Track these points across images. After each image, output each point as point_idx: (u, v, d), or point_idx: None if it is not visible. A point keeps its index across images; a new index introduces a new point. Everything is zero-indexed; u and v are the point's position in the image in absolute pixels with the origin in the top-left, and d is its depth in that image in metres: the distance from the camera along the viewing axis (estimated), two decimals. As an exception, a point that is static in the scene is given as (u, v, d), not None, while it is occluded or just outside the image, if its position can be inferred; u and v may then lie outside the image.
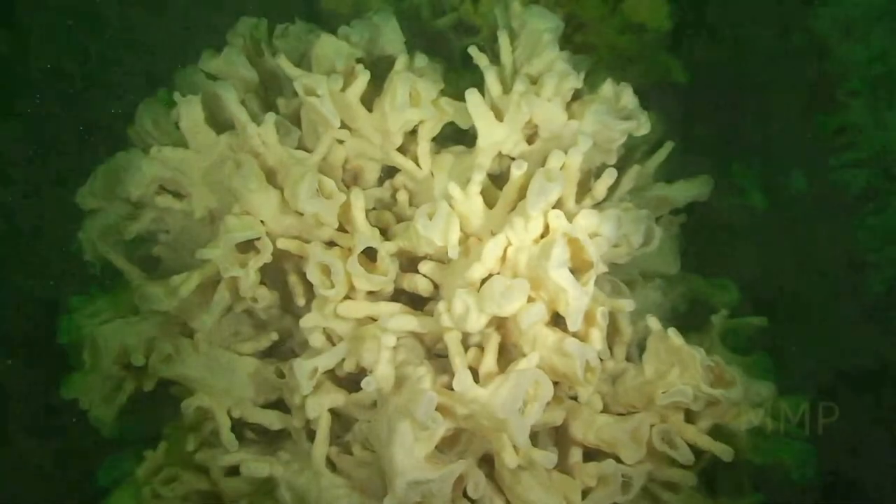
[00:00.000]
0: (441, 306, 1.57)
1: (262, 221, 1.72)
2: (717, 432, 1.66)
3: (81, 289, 2.09)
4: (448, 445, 1.63)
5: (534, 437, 1.69)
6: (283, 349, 1.92)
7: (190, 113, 1.73)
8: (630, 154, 2.01)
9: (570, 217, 1.53)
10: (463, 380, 1.42)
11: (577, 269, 1.50)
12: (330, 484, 1.64)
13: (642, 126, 1.71)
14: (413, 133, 1.82)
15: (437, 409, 1.46)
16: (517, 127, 1.68)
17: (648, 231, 1.72)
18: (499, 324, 1.61)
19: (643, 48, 2.42)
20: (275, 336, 1.86)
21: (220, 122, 1.81)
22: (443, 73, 1.88)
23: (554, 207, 1.52)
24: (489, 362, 1.56)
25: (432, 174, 1.84)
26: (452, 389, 1.47)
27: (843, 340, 2.61)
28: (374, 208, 1.88)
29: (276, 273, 1.83)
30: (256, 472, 1.65)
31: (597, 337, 1.54)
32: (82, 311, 1.96)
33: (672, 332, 1.57)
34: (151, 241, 1.96)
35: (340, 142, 1.81)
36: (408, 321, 1.62)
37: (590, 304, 1.53)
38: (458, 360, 1.60)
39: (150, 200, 1.84)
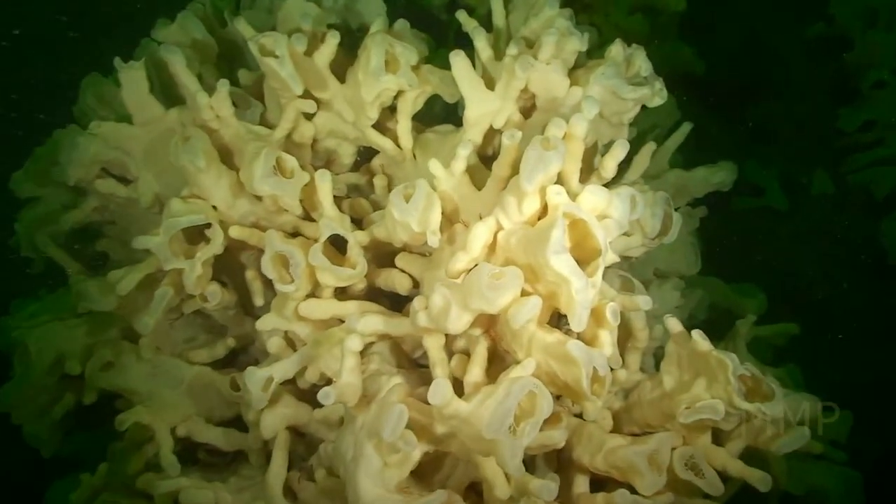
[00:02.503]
0: (417, 303, 1.25)
1: (214, 207, 1.42)
2: (747, 456, 1.33)
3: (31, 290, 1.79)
4: (426, 473, 1.30)
5: (530, 463, 1.36)
6: (244, 359, 1.60)
7: (132, 81, 1.42)
8: (640, 140, 1.69)
9: (573, 198, 1.21)
10: (440, 390, 1.09)
11: (582, 259, 1.17)
12: (285, 516, 1.31)
13: (658, 94, 1.39)
14: (392, 109, 1.51)
15: (411, 428, 1.14)
16: (511, 96, 1.37)
17: (666, 218, 1.40)
18: (488, 325, 1.29)
19: (654, 32, 2.11)
20: (232, 343, 1.54)
21: (173, 97, 1.51)
22: (432, 52, 1.57)
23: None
24: (475, 371, 1.24)
25: (414, 156, 1.53)
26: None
27: (873, 351, 2.27)
28: (347, 196, 1.57)
29: (235, 269, 1.52)
30: (198, 502, 1.32)
31: (606, 340, 1.21)
32: (20, 313, 1.65)
33: (697, 334, 1.24)
34: (99, 235, 1.65)
35: (309, 118, 1.50)
36: (378, 322, 1.30)
37: (597, 300, 1.21)
38: (439, 369, 1.28)
39: (90, 185, 1.54)
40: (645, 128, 1.76)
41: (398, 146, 1.50)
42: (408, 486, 1.18)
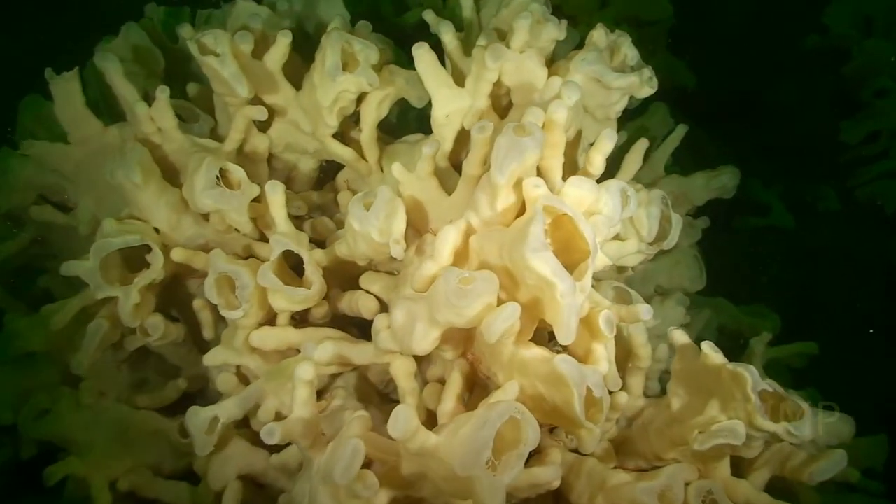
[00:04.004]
0: (379, 321, 1.05)
1: (156, 230, 1.23)
2: (772, 489, 1.11)
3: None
4: (399, 522, 1.09)
5: (523, 506, 1.15)
6: (201, 403, 1.37)
7: (65, 94, 1.24)
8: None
9: (555, 194, 1.02)
10: (401, 419, 0.87)
11: (569, 266, 0.96)
12: (235, 580, 1.09)
13: (647, 83, 1.20)
14: (357, 120, 1.33)
15: (374, 469, 0.93)
16: (482, 91, 1.18)
17: (664, 221, 1.20)
18: (466, 347, 1.09)
19: (642, 44, 1.94)
20: (184, 384, 1.33)
21: (117, 114, 1.34)
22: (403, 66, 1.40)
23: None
24: (449, 401, 1.03)
25: (381, 168, 1.34)
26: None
27: (889, 373, 2.03)
28: (309, 216, 1.38)
29: (185, 301, 1.32)
30: (133, 568, 1.10)
31: (601, 354, 1.00)
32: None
33: (707, 346, 1.03)
34: (42, 270, 1.46)
35: (264, 129, 1.32)
36: (337, 348, 1.09)
37: (588, 308, 1.01)
38: (409, 400, 1.07)
39: (26, 213, 1.35)
40: (634, 136, 1.57)
41: (363, 158, 1.32)
42: (373, 542, 0.96)
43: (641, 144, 1.33)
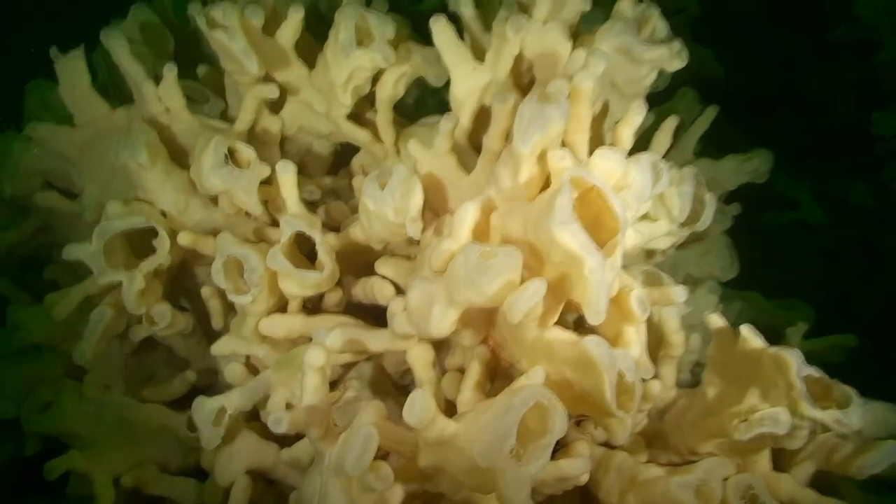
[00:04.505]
0: (395, 304, 0.98)
1: (163, 214, 1.17)
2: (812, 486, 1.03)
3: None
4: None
5: (549, 505, 1.07)
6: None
7: (71, 74, 1.19)
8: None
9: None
10: (418, 405, 0.80)
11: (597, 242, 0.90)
12: (243, 581, 1.02)
13: (677, 56, 1.13)
14: (373, 101, 1.27)
15: (389, 462, 0.85)
16: (503, 65, 1.11)
17: (697, 202, 1.13)
18: (487, 334, 1.02)
19: (667, 33, 1.87)
20: (192, 377, 1.27)
21: (125, 99, 1.28)
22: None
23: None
24: (469, 389, 0.96)
25: (398, 151, 1.28)
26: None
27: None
28: (323, 202, 1.31)
29: (195, 290, 1.26)
30: (135, 567, 1.04)
31: (633, 337, 0.92)
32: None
33: (747, 330, 0.95)
34: (48, 261, 1.40)
35: (276, 111, 1.26)
36: (350, 335, 1.03)
37: (618, 288, 0.93)
38: (427, 388, 1.00)
39: (30, 200, 1.30)
40: (661, 120, 1.50)
41: (378, 140, 1.25)
42: (388, 539, 0.88)
43: (671, 122, 1.25)
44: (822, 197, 2.16)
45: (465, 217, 0.93)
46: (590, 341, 0.83)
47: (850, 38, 2.20)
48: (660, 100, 1.61)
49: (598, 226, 0.89)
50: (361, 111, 1.28)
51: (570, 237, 0.82)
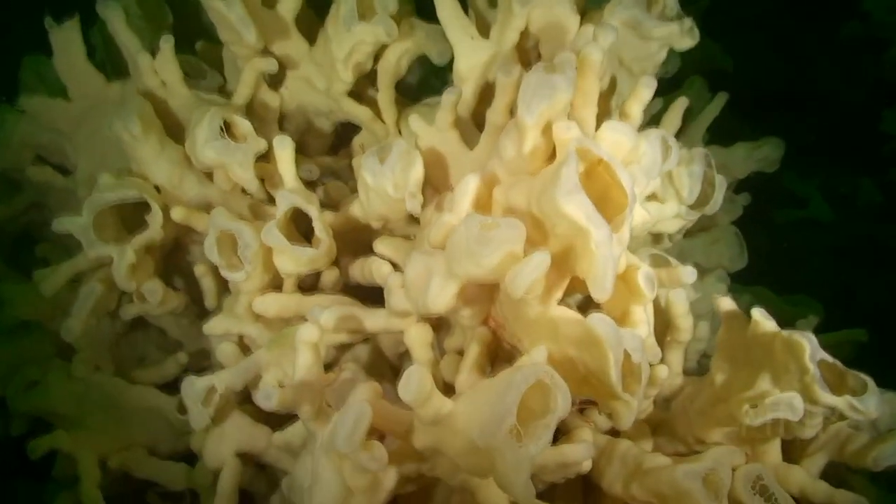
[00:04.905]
0: (393, 279, 0.93)
1: (156, 189, 1.13)
2: (828, 477, 0.98)
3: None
4: (411, 507, 0.97)
5: (546, 496, 1.02)
6: (204, 378, 1.28)
7: (66, 45, 1.15)
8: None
9: (588, 145, 0.90)
10: (413, 380, 0.76)
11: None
12: (230, 567, 0.97)
13: (688, 34, 1.09)
14: (373, 78, 1.23)
15: (384, 443, 0.81)
16: (509, 39, 1.07)
17: (706, 184, 1.08)
18: (488, 314, 0.97)
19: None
20: (184, 359, 1.22)
21: (122, 74, 1.24)
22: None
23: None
24: (468, 370, 0.91)
25: (399, 131, 1.24)
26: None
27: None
28: (322, 183, 1.27)
29: (188, 270, 1.22)
30: (118, 549, 0.99)
31: (640, 317, 0.88)
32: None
33: (758, 313, 0.91)
34: (40, 238, 1.36)
35: (275, 88, 1.22)
36: (346, 313, 0.98)
37: (625, 264, 0.89)
38: (424, 365, 0.96)
39: (23, 175, 1.26)
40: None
41: (380, 119, 1.21)
42: (381, 524, 0.84)
43: (681, 103, 1.21)
44: (831, 194, 2.12)
45: (467, 189, 0.89)
46: (594, 318, 0.79)
47: (860, 34, 2.16)
48: (668, 89, 1.57)
49: (605, 202, 0.85)
50: (363, 90, 1.24)
51: (576, 207, 0.78)
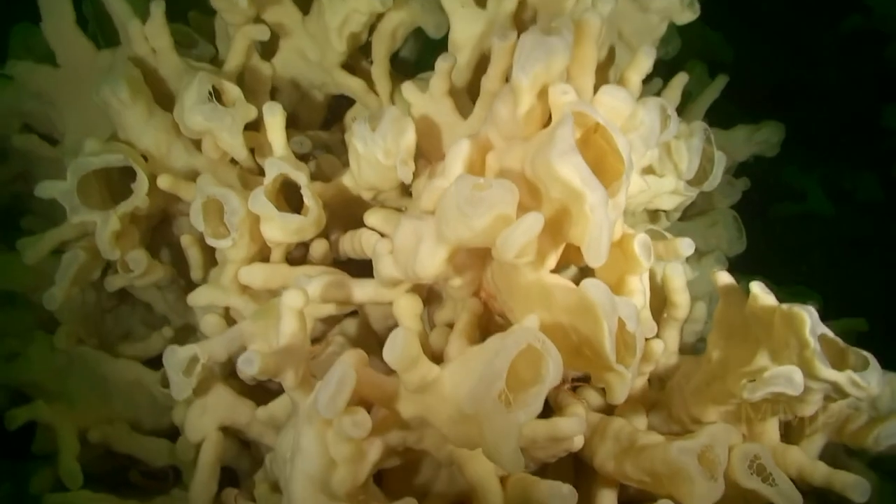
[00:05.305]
0: (382, 246, 0.90)
1: (144, 158, 1.10)
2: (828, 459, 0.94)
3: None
4: (397, 484, 0.93)
5: (539, 476, 0.98)
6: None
7: (55, 9, 1.13)
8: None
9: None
10: (398, 343, 0.73)
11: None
12: (209, 542, 0.94)
13: (689, 7, 1.06)
14: (367, 51, 1.20)
15: (370, 412, 0.78)
16: (505, 9, 1.04)
17: (705, 161, 1.05)
18: (479, 286, 0.94)
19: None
20: (169, 334, 1.19)
21: (114, 43, 1.21)
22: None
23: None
24: (458, 340, 0.88)
25: (393, 104, 1.21)
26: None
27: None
28: (314, 157, 1.24)
29: (176, 243, 1.19)
30: (94, 523, 0.95)
31: (636, 287, 0.85)
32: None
33: (757, 286, 0.88)
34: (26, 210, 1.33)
35: (267, 59, 1.19)
36: (334, 280, 0.95)
37: (621, 232, 0.86)
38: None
39: (9, 143, 1.23)
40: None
41: (373, 92, 1.18)
42: (360, 496, 0.81)
43: (681, 78, 1.18)
44: (831, 189, 2.09)
45: (458, 153, 0.86)
46: (588, 284, 0.76)
47: (862, 28, 2.13)
48: (668, 72, 1.55)
49: (602, 171, 0.81)
50: (357, 63, 1.22)
51: (571, 169, 0.75)
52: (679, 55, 1.59)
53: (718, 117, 1.59)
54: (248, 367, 0.79)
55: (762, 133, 1.35)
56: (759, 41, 2.13)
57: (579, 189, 0.75)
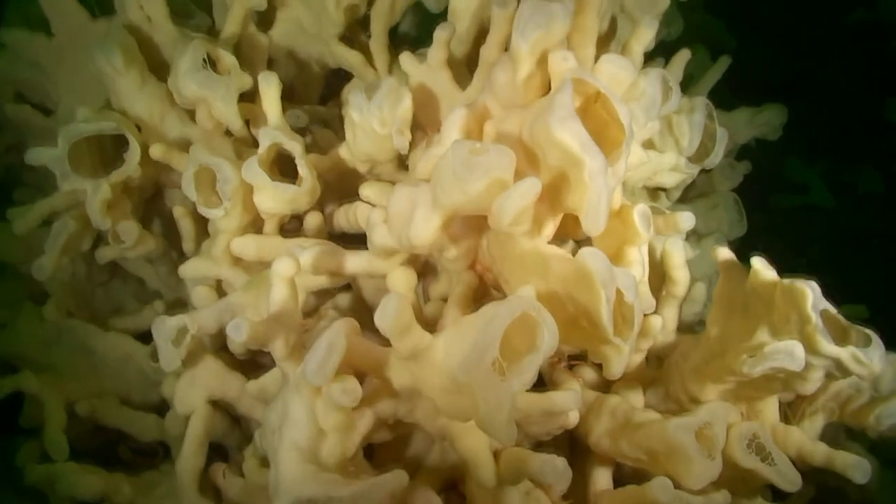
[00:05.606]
0: (376, 214, 0.88)
1: (137, 128, 1.07)
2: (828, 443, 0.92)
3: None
4: (388, 459, 0.91)
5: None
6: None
7: (48, -23, 1.11)
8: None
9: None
10: (391, 308, 0.70)
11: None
12: (196, 515, 0.91)
13: (693, -21, 1.04)
14: (366, 25, 1.18)
15: (362, 384, 0.76)
16: (506, -20, 1.03)
17: (707, 138, 1.03)
18: (475, 258, 0.92)
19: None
20: (160, 308, 1.17)
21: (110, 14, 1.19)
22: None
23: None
24: (451, 309, 0.86)
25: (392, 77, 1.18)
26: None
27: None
28: (310, 132, 1.22)
29: (167, 216, 1.17)
30: (79, 491, 0.92)
31: (634, 257, 0.83)
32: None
33: (759, 262, 0.86)
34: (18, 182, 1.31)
35: (264, 31, 1.17)
36: (327, 251, 0.93)
37: (620, 201, 0.84)
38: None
39: (1, 112, 1.21)
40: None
41: (371, 65, 1.16)
42: (350, 466, 0.78)
43: (683, 55, 1.16)
44: (833, 182, 2.07)
45: (455, 120, 0.84)
46: (586, 252, 0.74)
47: (867, 21, 2.11)
48: (669, 56, 1.53)
49: (602, 141, 0.79)
50: (355, 37, 1.19)
51: (570, 135, 0.72)
52: (681, 41, 1.58)
53: (720, 107, 1.58)
54: (237, 334, 0.77)
55: (764, 115, 1.33)
56: (762, 33, 2.10)
57: (578, 155, 0.72)
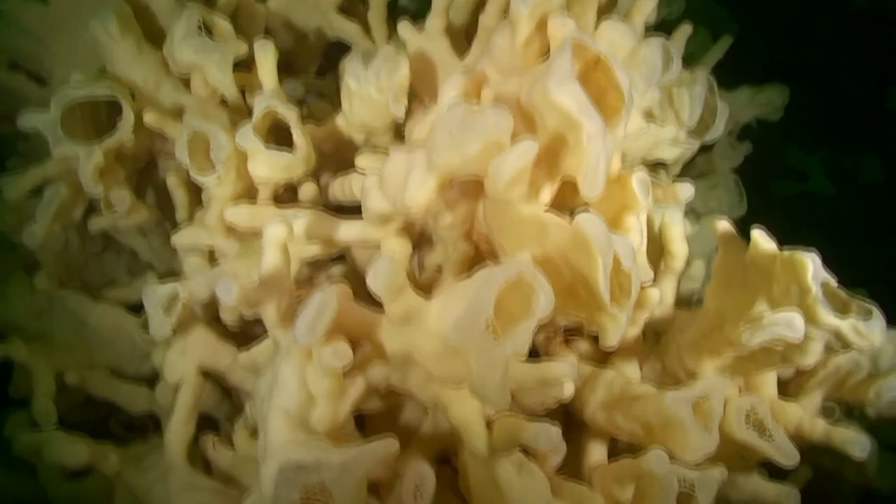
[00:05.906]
0: (370, 180, 0.86)
1: (132, 96, 1.05)
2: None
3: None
4: (380, 428, 0.89)
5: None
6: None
7: (43, -58, 1.09)
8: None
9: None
10: (383, 270, 0.69)
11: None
12: (184, 485, 0.89)
13: (696, -47, 1.02)
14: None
15: (353, 347, 0.74)
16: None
17: (707, 113, 1.01)
18: (470, 227, 0.90)
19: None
20: (152, 280, 1.15)
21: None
22: None
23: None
24: (447, 275, 0.85)
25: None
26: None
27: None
28: (305, 103, 1.20)
29: (160, 187, 1.15)
30: (66, 459, 0.91)
31: (632, 224, 0.81)
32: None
33: (759, 234, 0.84)
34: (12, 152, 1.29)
35: (261, 1, 1.15)
36: (320, 218, 0.91)
37: (618, 167, 0.82)
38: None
39: (-6, 80, 1.19)
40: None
41: (369, 36, 1.14)
42: (340, 433, 0.77)
43: (685, 29, 1.14)
44: (833, 169, 2.05)
45: (453, 85, 0.82)
46: (583, 217, 0.72)
47: (869, 9, 2.09)
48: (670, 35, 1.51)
49: (601, 107, 0.77)
50: (353, 8, 1.17)
51: (568, 97, 0.71)
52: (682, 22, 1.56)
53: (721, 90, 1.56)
54: (227, 294, 0.75)
55: (765, 95, 1.32)
56: (764, 19, 2.08)
57: (576, 118, 0.71)
